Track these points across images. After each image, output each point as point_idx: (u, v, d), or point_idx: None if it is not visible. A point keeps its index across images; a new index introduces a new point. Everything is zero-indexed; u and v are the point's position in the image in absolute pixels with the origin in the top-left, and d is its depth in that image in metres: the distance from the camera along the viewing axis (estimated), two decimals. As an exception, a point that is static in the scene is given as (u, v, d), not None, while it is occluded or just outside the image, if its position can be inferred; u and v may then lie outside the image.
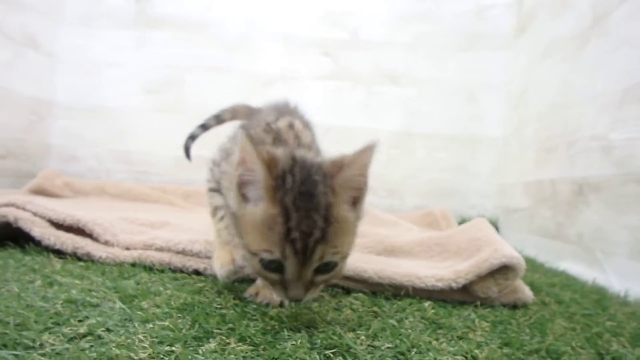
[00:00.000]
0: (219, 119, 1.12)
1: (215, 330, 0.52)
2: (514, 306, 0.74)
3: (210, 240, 0.84)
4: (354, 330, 0.56)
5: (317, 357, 0.47)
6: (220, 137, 0.81)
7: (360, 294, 0.74)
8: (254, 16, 2.16)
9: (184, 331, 0.51)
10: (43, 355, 0.42)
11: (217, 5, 2.18)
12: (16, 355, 0.41)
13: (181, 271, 0.81)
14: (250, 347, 0.48)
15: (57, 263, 0.78)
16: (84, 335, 0.48)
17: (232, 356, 0.46)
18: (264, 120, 0.69)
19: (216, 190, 0.75)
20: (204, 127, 1.12)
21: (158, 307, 0.59)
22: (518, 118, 1.77)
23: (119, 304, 0.58)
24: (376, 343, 0.52)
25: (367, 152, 0.53)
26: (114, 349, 0.44)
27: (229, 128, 0.85)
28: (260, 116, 0.76)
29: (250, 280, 0.73)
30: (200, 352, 0.46)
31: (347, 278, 0.77)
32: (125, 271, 0.77)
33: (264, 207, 0.53)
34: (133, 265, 0.82)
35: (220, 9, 2.17)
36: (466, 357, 0.50)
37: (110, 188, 1.79)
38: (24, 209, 0.87)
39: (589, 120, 1.18)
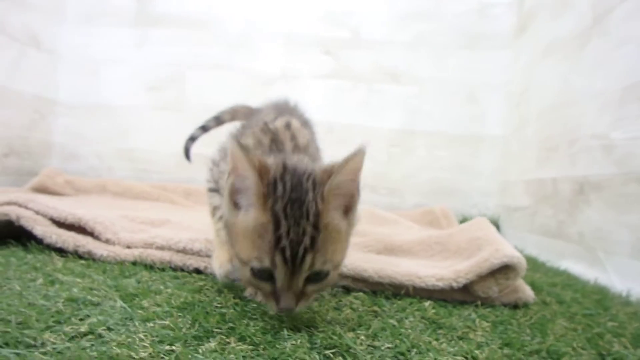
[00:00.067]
0: (218, 120, 1.12)
1: (216, 330, 0.52)
2: (515, 306, 0.74)
3: (211, 239, 0.84)
4: (353, 330, 0.56)
5: (317, 357, 0.47)
6: (220, 137, 0.81)
7: (361, 293, 0.74)
8: (255, 15, 2.16)
9: (184, 330, 0.51)
10: (44, 354, 0.42)
11: (218, 3, 2.17)
12: (18, 354, 0.42)
13: (182, 270, 0.82)
14: (250, 347, 0.48)
15: (58, 261, 0.79)
16: (85, 334, 0.48)
17: (232, 356, 0.46)
18: (263, 119, 0.68)
19: (215, 190, 0.75)
20: (204, 128, 1.12)
21: (158, 306, 0.59)
22: (519, 117, 1.77)
23: (119, 303, 0.58)
24: (376, 343, 0.52)
25: (356, 157, 0.52)
26: (114, 348, 0.45)
27: (230, 128, 0.85)
28: (260, 115, 0.76)
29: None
30: (200, 351, 0.46)
31: (347, 277, 0.77)
32: (126, 269, 0.77)
33: (255, 215, 0.52)
34: (134, 263, 0.82)
35: (221, 8, 2.16)
36: (466, 358, 0.50)
37: (111, 186, 1.80)
38: (26, 207, 0.88)
39: (589, 119, 1.17)
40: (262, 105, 0.88)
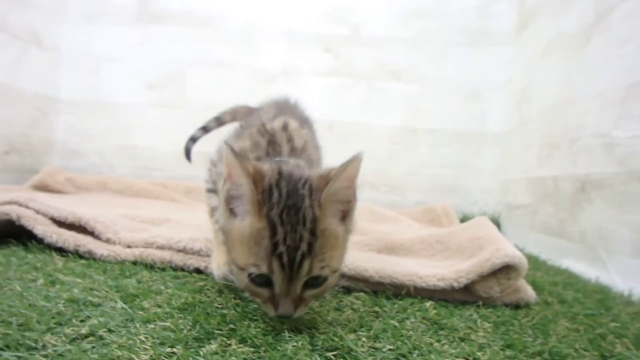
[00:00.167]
0: (219, 121, 1.11)
1: (216, 331, 0.52)
2: (517, 306, 0.73)
3: (210, 239, 0.84)
4: (355, 331, 0.56)
5: (319, 359, 0.47)
6: (220, 136, 0.80)
7: (361, 294, 0.74)
8: (255, 13, 2.14)
9: (185, 332, 0.51)
10: (45, 356, 0.42)
11: (219, 1, 2.16)
12: (19, 357, 0.42)
13: (182, 269, 0.82)
14: (252, 349, 0.48)
15: (59, 261, 0.79)
16: (86, 336, 0.48)
17: (234, 358, 0.46)
18: (261, 119, 0.68)
19: (213, 190, 0.75)
20: (205, 129, 1.12)
21: (159, 306, 0.59)
22: (520, 114, 1.76)
23: (120, 304, 0.58)
24: (377, 345, 0.52)
25: (353, 164, 0.52)
26: (115, 350, 0.44)
27: (230, 129, 0.84)
28: (259, 114, 0.76)
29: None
30: (201, 353, 0.46)
31: (348, 277, 0.77)
32: (126, 269, 0.77)
33: (251, 222, 0.53)
34: (134, 263, 0.82)
35: (222, 6, 2.15)
36: (468, 359, 0.49)
37: (112, 184, 1.80)
38: (26, 206, 0.88)
39: (591, 117, 1.17)
40: (261, 104, 0.87)
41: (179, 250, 0.84)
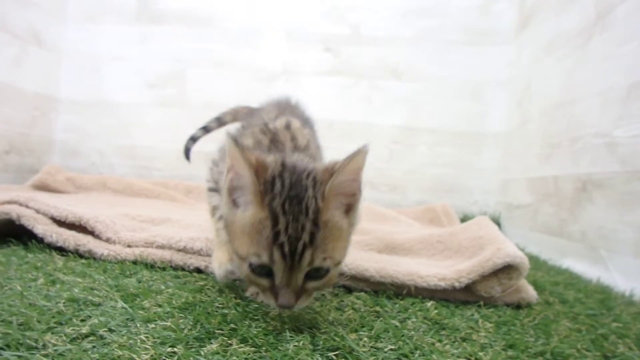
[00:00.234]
0: (220, 122, 1.11)
1: (217, 331, 0.52)
2: (518, 306, 0.73)
3: (211, 238, 0.83)
4: (356, 331, 0.56)
5: (320, 359, 0.47)
6: (221, 136, 0.80)
7: (362, 293, 0.74)
8: (256, 12, 2.14)
9: (185, 331, 0.51)
10: (46, 356, 0.42)
11: (219, 0, 2.16)
12: (19, 357, 0.41)
13: (182, 269, 0.81)
14: (253, 349, 0.48)
15: (59, 260, 0.78)
16: (87, 336, 0.48)
17: (235, 358, 0.46)
18: (263, 119, 0.68)
19: (215, 190, 0.74)
20: (205, 129, 1.12)
21: (160, 306, 0.59)
22: (521, 114, 1.76)
23: (120, 303, 0.58)
24: (379, 345, 0.52)
25: (358, 156, 0.52)
26: (116, 350, 0.44)
27: (231, 128, 0.84)
28: (261, 114, 0.76)
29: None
30: (202, 353, 0.46)
31: (349, 277, 0.77)
32: (126, 269, 0.77)
33: (253, 212, 0.52)
34: (134, 262, 0.81)
35: (222, 5, 2.15)
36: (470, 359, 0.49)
37: (112, 183, 1.79)
38: (26, 206, 0.87)
39: (593, 116, 1.17)
40: (262, 104, 0.87)
41: (179, 250, 0.84)
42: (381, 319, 0.61)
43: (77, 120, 2.21)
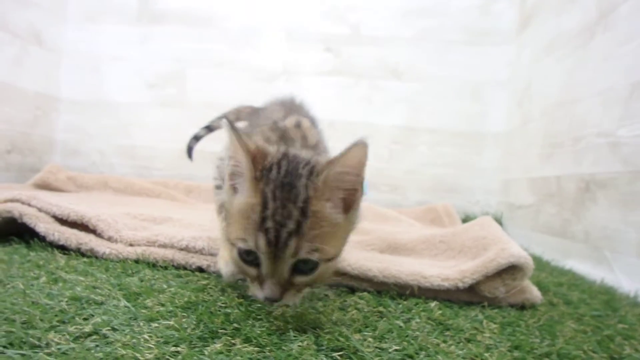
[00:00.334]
0: None
1: (221, 330, 0.51)
2: (522, 307, 0.73)
3: (213, 237, 0.83)
4: (360, 331, 0.55)
5: (324, 359, 0.47)
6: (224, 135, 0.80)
7: (365, 293, 0.74)
8: (256, 12, 2.14)
9: (189, 331, 0.50)
10: (49, 354, 0.42)
11: (220, 0, 2.16)
12: (23, 355, 0.41)
13: (184, 268, 0.81)
14: (257, 349, 0.47)
15: (61, 259, 0.78)
16: (90, 334, 0.47)
17: (239, 357, 0.45)
18: (271, 118, 0.68)
19: (221, 187, 0.74)
20: (209, 128, 1.12)
21: (162, 305, 0.58)
22: (522, 113, 1.76)
23: (123, 302, 0.57)
24: (383, 345, 0.51)
25: (353, 149, 0.50)
26: (119, 349, 0.44)
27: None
28: (266, 114, 0.75)
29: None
30: (205, 352, 0.46)
31: (352, 277, 0.77)
32: (128, 267, 0.77)
33: (246, 197, 0.52)
34: (136, 261, 0.81)
35: (223, 4, 2.15)
36: (475, 360, 0.49)
37: (113, 182, 1.79)
38: (29, 204, 0.87)
39: (595, 116, 1.16)
40: (266, 104, 0.87)
41: (181, 249, 0.84)
42: (385, 319, 0.61)
43: (77, 120, 2.21)
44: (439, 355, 0.49)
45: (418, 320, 0.61)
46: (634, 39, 1.02)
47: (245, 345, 0.48)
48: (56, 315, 0.51)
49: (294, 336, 0.51)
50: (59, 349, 0.43)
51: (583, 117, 1.23)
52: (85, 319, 0.51)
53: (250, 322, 0.55)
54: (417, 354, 0.50)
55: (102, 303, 0.57)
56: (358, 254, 0.88)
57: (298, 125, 0.67)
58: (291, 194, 0.50)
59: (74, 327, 0.48)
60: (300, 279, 0.52)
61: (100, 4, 2.20)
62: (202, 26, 2.15)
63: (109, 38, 2.19)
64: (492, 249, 0.78)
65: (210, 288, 0.69)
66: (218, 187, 0.76)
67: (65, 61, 2.19)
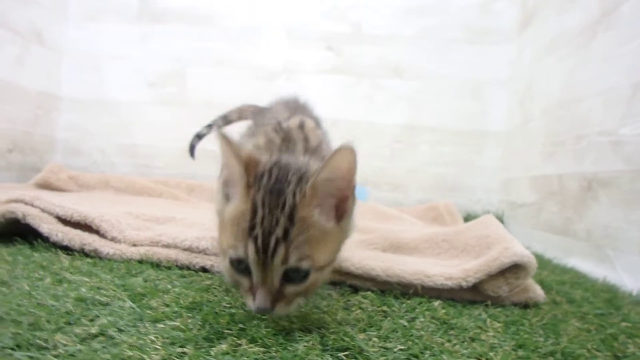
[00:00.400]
0: (226, 119, 1.11)
1: (226, 331, 0.51)
2: (525, 305, 0.73)
3: (216, 237, 0.83)
4: (364, 330, 0.56)
5: (330, 359, 0.47)
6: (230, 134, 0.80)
7: (369, 293, 0.74)
8: (257, 10, 2.14)
9: (194, 331, 0.51)
10: (57, 356, 0.42)
11: (220, -1, 2.15)
12: (31, 357, 0.41)
13: (188, 268, 0.81)
14: (262, 349, 0.48)
15: (65, 259, 0.78)
16: (96, 336, 0.48)
17: (245, 358, 0.45)
18: (276, 118, 0.68)
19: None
20: (211, 127, 1.12)
21: (167, 306, 0.59)
22: (524, 112, 1.75)
23: (128, 303, 0.58)
24: (388, 345, 0.51)
25: (340, 154, 0.49)
26: (126, 350, 0.44)
27: (238, 127, 0.84)
28: (271, 114, 0.75)
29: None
30: (212, 353, 0.46)
31: (355, 276, 0.77)
32: (132, 268, 0.77)
33: (238, 204, 0.53)
34: (140, 262, 0.81)
35: (223, 3, 2.15)
36: (480, 360, 0.49)
37: (114, 182, 1.79)
38: (32, 205, 0.87)
39: (597, 115, 1.16)
40: (271, 103, 0.87)
41: (184, 249, 0.84)
42: (389, 318, 0.61)
43: (78, 119, 2.21)
44: (443, 355, 0.49)
45: (422, 319, 0.62)
46: (636, 38, 1.02)
47: (251, 345, 0.48)
48: (62, 317, 0.51)
49: (299, 336, 0.52)
50: (66, 350, 0.43)
51: (585, 116, 1.23)
52: (91, 320, 0.51)
53: (255, 322, 0.55)
54: (422, 353, 0.50)
55: (107, 304, 0.57)
56: (361, 253, 0.88)
57: (301, 126, 0.67)
58: (279, 200, 0.51)
59: (80, 328, 0.49)
60: (291, 289, 0.52)
61: (101, 2, 2.19)
62: (202, 25, 2.15)
63: (110, 37, 2.19)
64: (496, 248, 0.78)
65: (215, 288, 0.69)
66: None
67: (66, 60, 2.19)
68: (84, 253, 0.84)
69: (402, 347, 0.51)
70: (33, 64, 1.99)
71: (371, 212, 1.67)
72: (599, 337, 0.59)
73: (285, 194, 0.51)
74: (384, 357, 0.48)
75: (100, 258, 0.83)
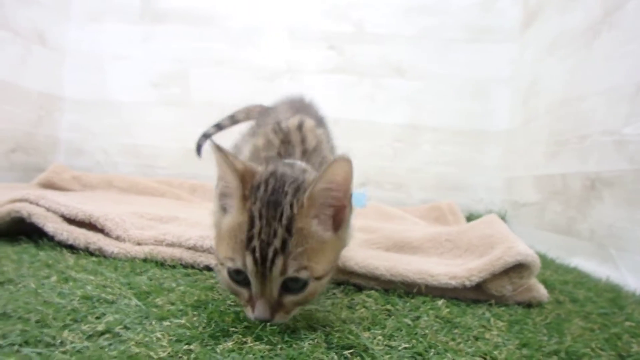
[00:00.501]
0: (233, 119, 1.12)
1: (232, 329, 0.52)
2: (529, 305, 0.73)
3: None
4: (369, 329, 0.56)
5: (335, 357, 0.47)
6: (233, 134, 0.80)
7: (372, 292, 0.74)
8: (259, 10, 2.14)
9: (200, 329, 0.51)
10: (64, 352, 0.42)
11: (222, -1, 2.16)
12: (39, 354, 0.42)
13: (192, 267, 0.82)
14: (268, 347, 0.48)
15: (70, 258, 0.79)
16: (103, 333, 0.48)
17: (250, 355, 0.46)
18: (277, 118, 0.68)
19: None
20: (219, 126, 1.13)
21: (172, 304, 0.59)
22: (526, 111, 1.75)
23: (134, 301, 0.58)
24: (393, 343, 0.52)
25: (338, 164, 0.50)
26: (133, 347, 0.44)
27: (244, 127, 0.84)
28: (275, 113, 0.76)
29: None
30: (218, 350, 0.46)
31: (359, 275, 0.77)
32: (137, 266, 0.77)
33: (235, 216, 0.53)
34: (144, 260, 0.82)
35: (225, 3, 2.15)
36: (485, 359, 0.49)
37: (117, 181, 1.80)
38: (37, 204, 0.88)
39: (600, 114, 1.16)
40: (276, 103, 0.87)
41: (188, 248, 0.84)
42: (393, 317, 0.61)
43: (81, 119, 2.21)
44: (448, 353, 0.50)
45: (426, 318, 0.62)
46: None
47: (257, 343, 0.49)
48: (69, 314, 0.52)
49: (304, 334, 0.52)
50: (73, 347, 0.44)
51: (588, 115, 1.23)
52: (97, 318, 0.52)
53: (260, 321, 0.55)
54: (426, 351, 0.50)
55: (113, 302, 0.58)
56: (364, 252, 0.89)
57: (300, 127, 0.67)
58: (276, 212, 0.51)
59: (87, 325, 0.49)
60: (290, 299, 0.52)
61: (103, 3, 2.20)
62: (204, 25, 2.15)
63: (112, 37, 2.20)
64: (499, 247, 0.78)
65: (219, 287, 0.69)
66: None
67: (68, 60, 2.19)
68: (88, 252, 0.84)
69: (407, 346, 0.51)
70: (35, 65, 2.00)
71: (374, 212, 1.67)
72: (602, 336, 0.59)
73: (282, 205, 0.51)
74: (389, 356, 0.48)
75: (104, 257, 0.83)
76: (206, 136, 1.14)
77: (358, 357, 0.48)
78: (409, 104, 2.06)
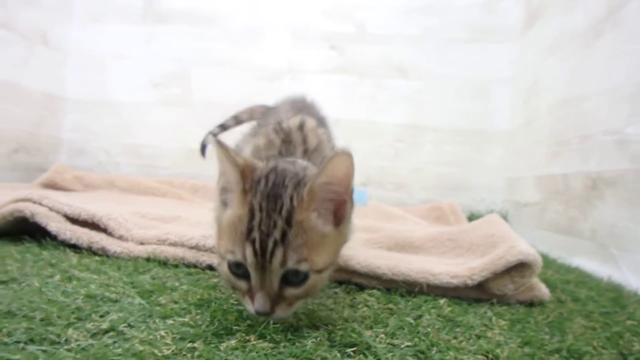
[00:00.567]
0: (237, 120, 1.13)
1: (235, 327, 0.52)
2: (531, 304, 0.73)
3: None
4: (371, 327, 0.56)
5: (338, 355, 0.47)
6: (235, 134, 0.80)
7: (375, 291, 0.74)
8: (260, 11, 2.15)
9: (203, 327, 0.51)
10: (69, 350, 0.43)
11: (224, -1, 2.16)
12: (44, 351, 0.42)
13: (195, 266, 0.82)
14: (271, 345, 0.48)
15: (73, 257, 0.79)
16: (107, 331, 0.48)
17: (254, 353, 0.46)
18: (279, 117, 0.68)
19: None
20: (223, 127, 1.13)
21: (176, 302, 0.59)
22: (527, 111, 1.75)
23: (138, 300, 0.58)
24: (395, 341, 0.52)
25: (338, 159, 0.50)
26: (137, 345, 0.45)
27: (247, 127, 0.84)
28: (277, 113, 0.76)
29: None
30: (221, 348, 0.46)
31: (360, 274, 0.77)
32: (140, 266, 0.78)
33: (235, 210, 0.53)
34: (147, 260, 0.82)
35: (226, 4, 2.16)
36: (487, 357, 0.50)
37: (119, 181, 1.80)
38: (40, 204, 0.88)
39: (602, 114, 1.16)
40: (278, 103, 0.87)
41: (191, 247, 0.85)
42: (395, 316, 0.62)
43: (83, 119, 2.22)
44: (450, 351, 0.50)
45: (428, 317, 0.62)
46: (642, 36, 1.02)
47: (260, 341, 0.49)
48: (73, 313, 0.52)
49: (307, 332, 0.52)
50: (78, 345, 0.44)
51: (590, 115, 1.23)
52: (101, 316, 0.52)
53: (263, 319, 0.56)
54: (429, 349, 0.50)
55: (116, 300, 0.58)
56: (366, 251, 0.89)
57: (301, 127, 0.67)
58: (276, 204, 0.51)
59: (91, 324, 0.49)
60: (290, 292, 0.52)
61: (105, 3, 2.21)
62: (206, 25, 2.16)
63: (114, 38, 2.21)
64: (501, 247, 0.78)
65: (222, 286, 0.70)
66: None
67: (70, 61, 2.20)
68: (91, 251, 0.85)
69: (409, 344, 0.51)
70: (37, 65, 2.00)
71: (375, 212, 1.67)
72: (604, 335, 0.59)
73: (282, 198, 0.51)
74: (392, 353, 0.48)
75: (107, 256, 0.84)
76: (213, 135, 1.15)
77: (361, 355, 0.48)
78: (410, 104, 2.06)
